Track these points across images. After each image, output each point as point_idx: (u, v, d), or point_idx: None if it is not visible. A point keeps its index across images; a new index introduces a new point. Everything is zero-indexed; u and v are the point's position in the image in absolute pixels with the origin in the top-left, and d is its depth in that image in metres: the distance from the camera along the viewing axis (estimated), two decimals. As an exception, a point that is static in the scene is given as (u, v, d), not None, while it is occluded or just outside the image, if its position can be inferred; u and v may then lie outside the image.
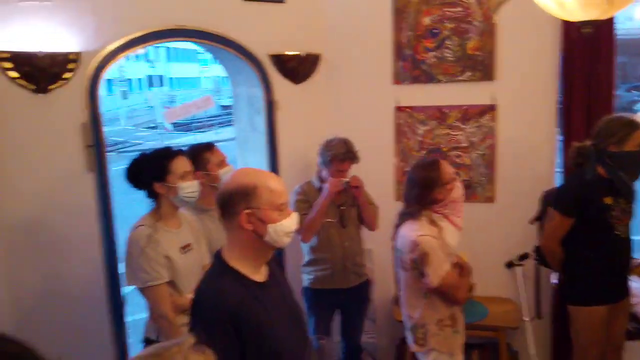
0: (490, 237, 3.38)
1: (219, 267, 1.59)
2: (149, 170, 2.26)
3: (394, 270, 2.53)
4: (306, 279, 3.08)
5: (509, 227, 3.33)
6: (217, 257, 1.62)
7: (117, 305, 2.80)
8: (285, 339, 1.58)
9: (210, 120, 21.34)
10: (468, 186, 3.36)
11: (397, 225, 2.42)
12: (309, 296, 3.09)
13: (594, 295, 2.70)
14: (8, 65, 2.46)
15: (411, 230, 2.31)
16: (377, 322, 3.55)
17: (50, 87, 2.56)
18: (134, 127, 22.69)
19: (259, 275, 1.62)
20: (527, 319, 3.10)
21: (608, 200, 2.60)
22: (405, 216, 2.39)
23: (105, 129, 2.84)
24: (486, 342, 3.36)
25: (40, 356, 0.45)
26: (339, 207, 3.01)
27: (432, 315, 2.36)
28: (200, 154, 2.66)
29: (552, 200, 2.79)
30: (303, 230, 2.91)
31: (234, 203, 1.55)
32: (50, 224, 2.65)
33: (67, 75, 2.59)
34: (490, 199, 3.37)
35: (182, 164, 2.29)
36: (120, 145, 16.68)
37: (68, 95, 2.61)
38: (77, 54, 2.59)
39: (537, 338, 3.15)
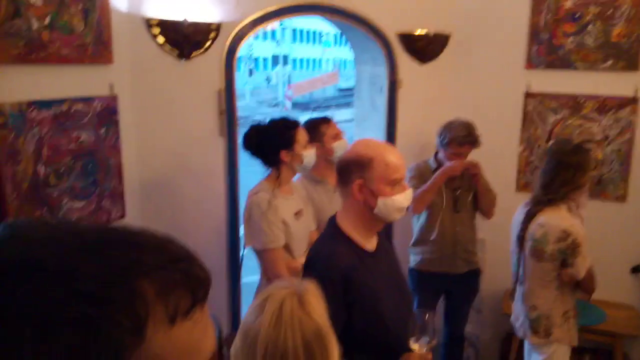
0: (617, 238, 3.15)
1: (333, 232, 1.65)
2: (277, 139, 2.38)
3: (515, 262, 2.45)
4: (413, 260, 3.08)
5: (639, 229, 3.08)
6: (332, 222, 1.68)
7: (235, 264, 3.00)
8: (389, 307, 1.61)
9: (328, 101, 21.71)
10: (598, 182, 3.15)
11: (532, 214, 2.32)
12: (415, 277, 3.08)
13: None
14: (157, 31, 2.70)
15: (559, 219, 2.24)
16: (483, 313, 3.46)
17: (192, 54, 2.77)
18: (257, 103, 23.71)
19: (369, 244, 1.66)
20: (651, 330, 2.87)
21: None
22: (543, 204, 2.29)
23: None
24: (600, 347, 3.16)
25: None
26: (454, 191, 2.96)
27: (559, 307, 2.31)
28: (317, 127, 2.74)
29: None
30: (413, 202, 2.90)
31: (349, 172, 1.59)
32: (182, 182, 2.89)
33: (207, 44, 2.78)
34: (621, 198, 3.12)
35: (304, 134, 2.41)
36: (243, 120, 17.50)
37: (207, 63, 2.81)
38: (218, 24, 2.78)
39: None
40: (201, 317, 0.48)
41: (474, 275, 3.09)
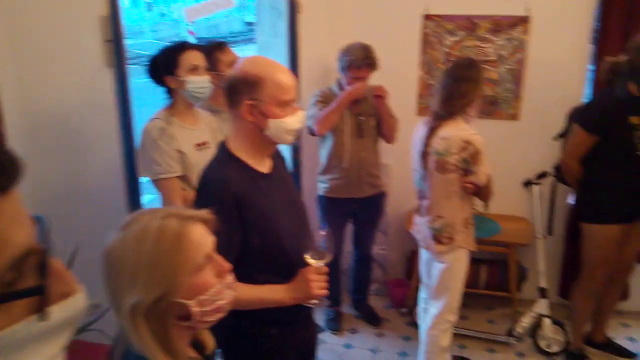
0: (510, 155, 3.33)
1: (223, 155, 1.59)
2: (159, 64, 2.24)
3: (418, 178, 2.52)
4: (321, 187, 3.10)
5: (531, 145, 3.27)
6: (222, 146, 1.62)
7: (135, 201, 2.86)
8: (286, 226, 1.61)
9: (234, 36, 20.93)
10: (493, 102, 3.27)
11: (434, 128, 2.39)
12: (324, 204, 3.12)
13: (609, 213, 2.68)
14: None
15: (459, 130, 2.33)
16: (389, 235, 3.60)
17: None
18: (158, 40, 22.41)
19: (263, 166, 1.62)
20: (539, 236, 3.10)
21: (634, 120, 2.52)
22: (443, 118, 2.37)
23: (129, 42, 2.79)
24: (496, 258, 3.40)
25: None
26: (358, 116, 2.97)
27: (461, 215, 2.44)
28: (210, 53, 2.57)
29: (577, 116, 2.71)
30: (317, 123, 2.90)
31: (237, 92, 1.52)
32: (70, 118, 2.66)
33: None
34: (514, 117, 3.28)
35: (192, 57, 2.24)
36: (144, 59, 16.54)
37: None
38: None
39: (548, 256, 3.17)
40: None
41: (379, 198, 3.18)
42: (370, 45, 2.86)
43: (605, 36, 2.96)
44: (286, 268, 1.61)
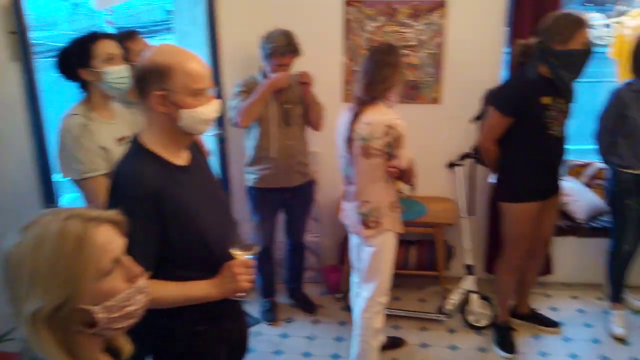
0: (434, 138, 3.42)
1: (136, 150, 1.52)
2: (73, 56, 2.11)
3: (344, 164, 2.53)
4: (250, 178, 3.05)
5: (453, 128, 3.35)
6: (134, 140, 1.55)
7: (50, 200, 2.70)
8: (207, 219, 1.57)
9: (157, 25, 20.22)
10: (415, 87, 3.33)
11: (357, 114, 2.40)
12: (253, 195, 3.08)
13: (525, 192, 2.79)
14: None
15: (382, 115, 2.35)
16: (321, 222, 3.61)
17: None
18: (74, 32, 21.28)
19: (180, 159, 1.56)
20: (464, 216, 3.20)
21: (546, 100, 2.62)
22: (366, 103, 2.38)
23: (43, 34, 2.60)
24: (424, 238, 3.49)
25: None
26: (283, 105, 2.93)
27: (386, 199, 2.48)
28: (122, 43, 2.45)
29: (492, 99, 2.80)
30: (240, 114, 2.85)
31: (146, 82, 1.45)
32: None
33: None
34: (436, 100, 3.36)
35: (106, 46, 2.12)
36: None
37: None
38: None
39: (472, 234, 3.28)
40: None
41: (309, 186, 3.17)
42: (292, 31, 2.83)
43: (519, 19, 3.07)
44: (211, 262, 1.57)
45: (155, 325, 1.52)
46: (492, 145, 2.79)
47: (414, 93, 3.34)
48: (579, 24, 2.49)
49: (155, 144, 1.51)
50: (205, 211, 1.57)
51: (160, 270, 1.48)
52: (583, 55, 2.52)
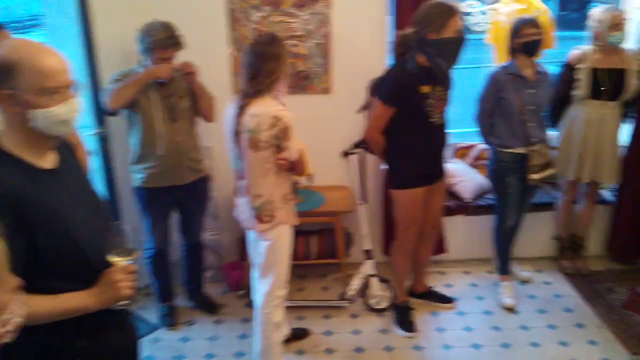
0: (326, 127, 3.43)
1: None
2: None
3: (234, 158, 2.46)
4: (137, 178, 2.89)
5: (345, 117, 3.38)
6: None
7: None
8: (81, 227, 1.45)
9: (33, 20, 18.74)
10: (305, 77, 3.32)
11: (243, 107, 2.34)
12: (142, 196, 2.92)
13: (412, 179, 2.88)
14: None
15: (267, 107, 2.30)
16: (219, 218, 3.52)
17: None
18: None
19: (45, 162, 1.42)
20: (361, 202, 3.26)
21: (425, 89, 2.70)
22: (252, 96, 2.32)
23: None
24: (324, 227, 3.52)
25: None
26: (168, 99, 2.80)
27: (278, 191, 2.44)
28: None
29: (375, 89, 2.85)
30: (109, 95, 2.70)
31: None
32: None
33: None
34: (326, 90, 3.38)
35: None
36: None
37: None
38: None
39: (370, 220, 3.35)
40: None
41: (203, 183, 3.07)
42: (172, 23, 2.70)
43: (401, 8, 3.14)
44: (88, 271, 1.45)
45: (32, 342, 1.40)
46: (378, 134, 2.84)
47: (304, 83, 3.33)
48: (450, 13, 2.57)
49: (15, 146, 1.37)
50: (77, 216, 1.44)
51: (33, 282, 1.34)
52: (457, 43, 2.60)
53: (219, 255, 3.59)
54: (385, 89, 2.76)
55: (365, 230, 3.25)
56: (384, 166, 3.16)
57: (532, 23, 2.99)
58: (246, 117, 2.31)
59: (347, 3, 3.20)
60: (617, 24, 3.11)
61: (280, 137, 2.30)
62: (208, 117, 2.95)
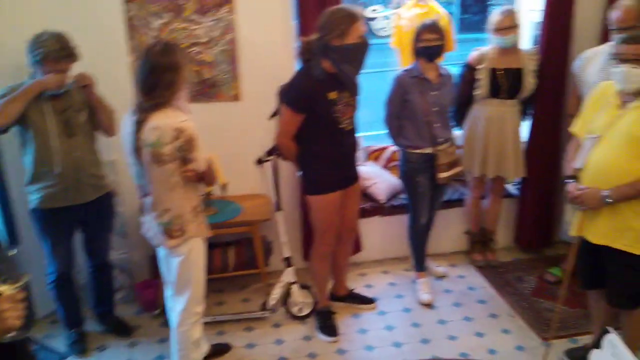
0: (238, 135, 3.38)
1: None
2: None
3: (137, 174, 2.34)
4: (34, 199, 2.68)
5: (257, 124, 3.33)
6: None
7: None
8: None
9: None
10: (212, 85, 3.25)
11: (141, 121, 2.21)
12: (40, 217, 2.71)
13: (325, 184, 2.88)
14: None
15: (168, 119, 2.18)
16: (128, 236, 3.35)
17: None
18: None
19: None
20: (277, 210, 3.21)
21: (333, 95, 2.69)
22: (150, 109, 2.20)
23: None
24: (242, 237, 3.45)
25: None
26: (63, 113, 2.62)
27: (188, 204, 2.35)
28: None
29: (283, 96, 2.82)
30: None
31: None
32: None
33: None
34: (236, 97, 3.31)
35: None
36: None
37: None
38: None
39: (288, 227, 3.31)
40: None
41: (107, 199, 2.90)
42: (66, 33, 2.54)
43: (305, 13, 3.14)
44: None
45: None
46: (289, 141, 2.81)
47: (212, 91, 3.25)
48: (352, 19, 2.56)
49: None
50: None
51: None
52: (360, 49, 2.60)
53: (130, 274, 3.42)
54: (291, 95, 2.73)
55: (284, 237, 3.21)
56: (299, 172, 3.14)
57: (432, 28, 3.08)
58: (146, 132, 2.20)
59: (251, 9, 3.16)
60: (509, 27, 3.28)
61: (185, 149, 2.21)
62: (108, 131, 2.80)
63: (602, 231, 2.38)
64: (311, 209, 2.96)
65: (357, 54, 2.62)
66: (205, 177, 2.35)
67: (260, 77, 3.28)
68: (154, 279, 3.32)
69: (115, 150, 2.98)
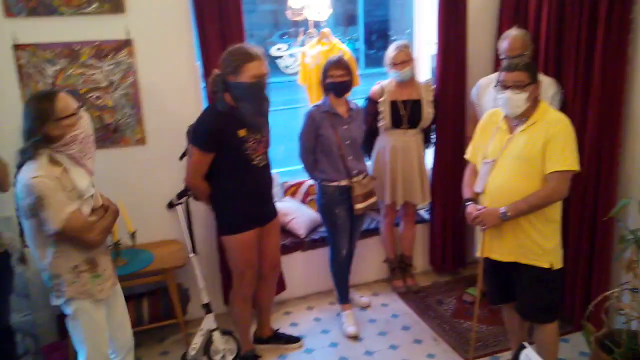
0: (146, 180, 3.26)
1: None
2: None
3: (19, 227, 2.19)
4: None
5: (165, 167, 3.24)
6: None
7: None
8: None
9: None
10: (115, 130, 3.13)
11: (18, 167, 2.08)
12: None
13: (240, 223, 2.82)
14: None
15: (26, 173, 2.03)
16: (31, 296, 3.10)
17: None
18: None
19: None
20: (192, 255, 3.11)
21: (242, 133, 2.67)
22: (23, 155, 2.07)
23: None
24: (157, 286, 3.29)
25: None
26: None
27: (64, 264, 2.17)
28: None
29: (191, 135, 2.77)
30: None
31: None
32: None
33: None
34: (141, 141, 3.21)
35: None
36: None
37: None
38: None
39: (207, 271, 3.21)
40: None
41: (3, 259, 2.68)
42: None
43: (208, 53, 3.12)
44: None
45: None
46: (201, 181, 2.75)
47: (116, 136, 3.14)
48: (247, 58, 2.57)
49: None
50: None
51: None
52: (253, 88, 2.59)
53: (35, 337, 3.15)
54: (199, 134, 2.69)
55: (201, 283, 3.09)
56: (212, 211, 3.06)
57: (338, 64, 3.17)
58: (17, 183, 2.07)
59: (152, 51, 3.10)
60: (404, 61, 3.43)
61: (37, 207, 2.02)
62: (2, 186, 2.61)
63: (508, 249, 2.49)
64: (227, 250, 2.89)
65: (250, 92, 2.60)
66: (71, 238, 2.13)
67: (166, 119, 3.21)
68: (61, 341, 3.08)
69: (10, 206, 2.77)
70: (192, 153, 2.73)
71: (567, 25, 3.08)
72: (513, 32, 3.14)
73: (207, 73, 3.07)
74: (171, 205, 3.19)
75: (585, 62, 2.98)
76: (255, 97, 2.63)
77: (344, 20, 14.63)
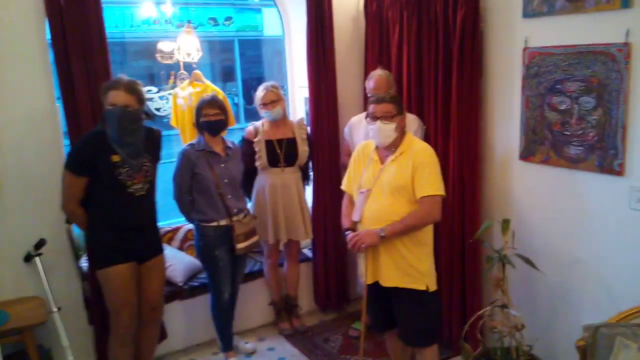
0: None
1: None
2: None
3: None
4: None
5: (16, 215, 2.91)
6: None
7: None
8: None
9: None
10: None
11: None
12: None
13: (111, 254, 2.69)
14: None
15: None
16: None
17: None
18: None
19: None
20: (55, 310, 2.80)
21: (116, 158, 2.62)
22: None
23: None
24: (14, 349, 2.90)
25: None
26: None
27: None
28: None
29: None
30: None
31: None
32: None
33: None
34: None
35: None
36: None
37: None
38: None
39: (73, 325, 2.92)
40: None
41: None
42: None
43: (72, 89, 2.92)
44: None
45: None
46: (76, 207, 2.66)
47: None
48: (109, 86, 2.63)
49: None
50: None
51: None
52: (112, 114, 2.59)
53: None
54: (70, 156, 2.65)
55: (65, 341, 2.78)
56: (84, 261, 2.82)
57: (211, 103, 3.15)
58: None
59: (6, 89, 2.85)
60: (272, 101, 3.49)
61: None
62: None
63: (389, 275, 2.56)
64: (102, 286, 2.73)
65: (109, 118, 2.62)
66: None
67: (20, 163, 2.90)
68: None
69: None
70: (64, 176, 2.63)
71: (425, 65, 3.35)
72: (378, 72, 3.36)
73: (69, 108, 2.89)
74: (29, 258, 2.89)
75: (443, 99, 3.24)
76: (113, 123, 2.60)
77: (223, 76, 14.83)
